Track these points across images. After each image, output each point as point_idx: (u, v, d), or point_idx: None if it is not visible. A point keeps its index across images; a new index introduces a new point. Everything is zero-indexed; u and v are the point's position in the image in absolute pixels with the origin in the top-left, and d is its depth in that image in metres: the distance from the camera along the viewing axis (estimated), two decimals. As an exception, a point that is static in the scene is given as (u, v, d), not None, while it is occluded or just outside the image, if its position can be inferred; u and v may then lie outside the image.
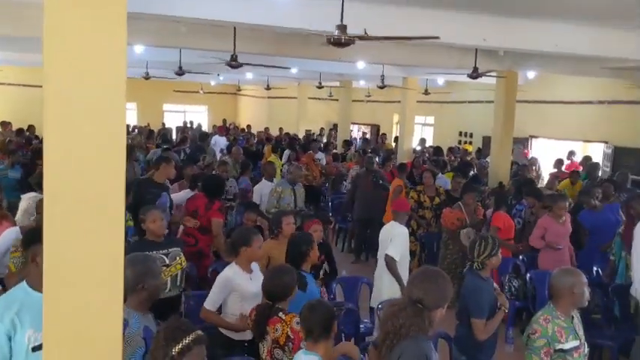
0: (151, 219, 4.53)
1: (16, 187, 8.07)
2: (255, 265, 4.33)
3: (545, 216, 6.76)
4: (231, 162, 10.18)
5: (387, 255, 5.64)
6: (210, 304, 4.14)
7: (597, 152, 13.56)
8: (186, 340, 2.52)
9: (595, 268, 6.50)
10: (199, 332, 2.60)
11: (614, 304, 5.95)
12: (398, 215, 5.98)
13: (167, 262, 4.40)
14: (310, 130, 19.52)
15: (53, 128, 2.00)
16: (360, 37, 4.71)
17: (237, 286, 4.10)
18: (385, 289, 5.55)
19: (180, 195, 7.15)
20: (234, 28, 7.65)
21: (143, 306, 3.16)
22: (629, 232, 6.04)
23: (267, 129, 20.14)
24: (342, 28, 4.63)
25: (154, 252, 4.33)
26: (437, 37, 4.79)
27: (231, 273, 4.15)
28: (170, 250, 4.53)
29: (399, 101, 14.64)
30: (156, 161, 6.80)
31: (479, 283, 4.17)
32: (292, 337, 3.44)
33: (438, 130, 19.22)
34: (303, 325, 3.24)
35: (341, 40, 4.60)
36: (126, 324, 2.91)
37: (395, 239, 5.70)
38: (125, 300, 3.07)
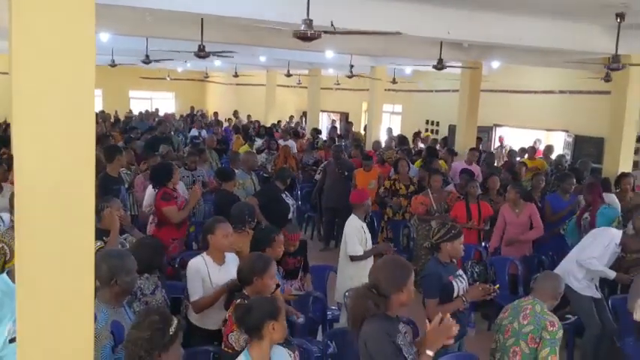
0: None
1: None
2: (231, 257, 4.35)
3: (504, 205, 7.00)
4: (207, 151, 10.03)
5: (350, 256, 5.69)
6: (193, 295, 4.12)
7: (559, 141, 13.94)
8: (175, 321, 2.71)
9: (550, 253, 6.75)
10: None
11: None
12: (354, 207, 5.87)
13: (127, 246, 4.59)
14: (288, 121, 19.53)
15: (23, 118, 1.99)
16: (326, 32, 4.79)
17: (205, 276, 4.15)
18: (347, 283, 5.52)
19: (147, 196, 6.65)
20: (202, 18, 7.64)
21: (114, 300, 3.15)
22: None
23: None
24: (309, 22, 4.71)
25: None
26: (399, 33, 4.91)
27: (198, 263, 4.19)
28: (124, 235, 4.84)
29: (368, 89, 14.77)
30: (110, 155, 6.52)
31: (434, 266, 4.21)
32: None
33: (406, 119, 19.43)
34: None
35: (307, 35, 4.67)
36: (94, 318, 2.93)
37: (347, 237, 5.72)
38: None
